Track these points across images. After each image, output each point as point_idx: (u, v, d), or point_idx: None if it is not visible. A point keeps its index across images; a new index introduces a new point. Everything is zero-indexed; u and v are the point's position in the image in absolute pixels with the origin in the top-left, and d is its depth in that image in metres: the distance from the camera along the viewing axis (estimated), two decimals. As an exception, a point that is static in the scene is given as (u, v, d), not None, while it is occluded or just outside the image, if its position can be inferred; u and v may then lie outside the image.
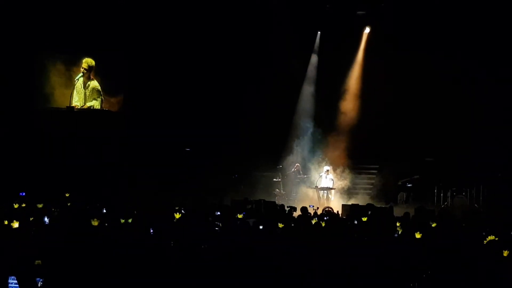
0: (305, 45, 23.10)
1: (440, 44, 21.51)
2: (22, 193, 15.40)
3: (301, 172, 22.17)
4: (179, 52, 22.89)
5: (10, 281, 7.06)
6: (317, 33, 23.58)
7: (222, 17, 22.41)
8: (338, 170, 21.51)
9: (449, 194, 20.87)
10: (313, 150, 22.04)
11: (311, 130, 22.42)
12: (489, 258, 8.09)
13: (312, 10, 22.20)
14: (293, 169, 22.13)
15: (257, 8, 22.02)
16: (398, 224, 11.15)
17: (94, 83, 22.66)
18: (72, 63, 22.87)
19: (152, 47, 22.87)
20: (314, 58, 23.62)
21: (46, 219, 10.37)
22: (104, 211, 12.16)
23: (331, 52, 22.64)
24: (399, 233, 10.37)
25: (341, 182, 21.28)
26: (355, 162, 22.51)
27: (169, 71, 23.02)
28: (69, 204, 13.34)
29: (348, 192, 21.30)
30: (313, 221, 11.03)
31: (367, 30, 23.11)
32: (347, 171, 21.68)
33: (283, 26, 22.00)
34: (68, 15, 21.86)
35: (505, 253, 8.30)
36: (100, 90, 22.70)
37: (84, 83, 22.60)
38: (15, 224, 9.08)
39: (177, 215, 11.58)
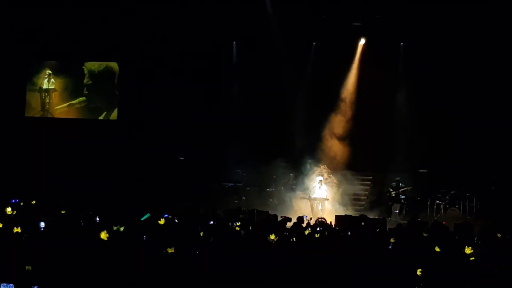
0: (300, 56, 23.14)
1: (435, 55, 21.58)
2: (15, 200, 15.35)
3: (294, 181, 22.19)
4: (173, 58, 23.09)
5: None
6: (312, 44, 23.63)
7: (217, 29, 22.51)
8: (332, 181, 21.49)
9: (442, 206, 20.91)
10: (307, 160, 22.01)
11: (305, 140, 22.41)
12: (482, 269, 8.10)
13: (308, 21, 22.24)
14: (286, 180, 22.24)
15: (252, 19, 22.07)
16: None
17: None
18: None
19: (147, 58, 23.14)
20: (309, 69, 23.66)
21: (42, 224, 10.37)
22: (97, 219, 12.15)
23: (326, 63, 22.68)
24: (392, 245, 10.37)
25: (334, 193, 21.26)
26: (349, 172, 22.51)
27: (163, 78, 23.13)
28: (63, 212, 13.31)
29: (342, 203, 21.27)
30: (307, 232, 11.05)
31: (362, 41, 23.18)
32: (340, 181, 21.67)
33: (278, 36, 22.11)
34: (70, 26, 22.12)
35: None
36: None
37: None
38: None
39: (162, 221, 11.50)
